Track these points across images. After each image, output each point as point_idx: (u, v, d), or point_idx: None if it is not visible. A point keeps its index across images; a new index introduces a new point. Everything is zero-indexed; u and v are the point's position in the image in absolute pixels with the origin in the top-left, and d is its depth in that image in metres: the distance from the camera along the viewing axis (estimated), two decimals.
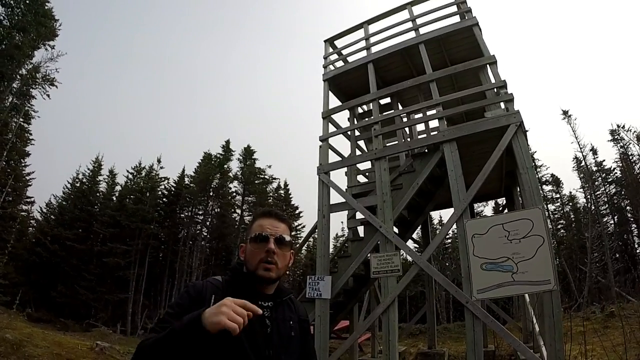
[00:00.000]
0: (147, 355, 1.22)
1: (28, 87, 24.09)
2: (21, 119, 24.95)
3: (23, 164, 28.03)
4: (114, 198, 34.91)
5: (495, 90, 7.27)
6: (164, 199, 36.00)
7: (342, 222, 38.63)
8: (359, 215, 8.50)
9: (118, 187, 36.14)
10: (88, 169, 35.54)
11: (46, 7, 24.38)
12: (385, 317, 6.62)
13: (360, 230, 9.04)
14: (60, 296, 26.81)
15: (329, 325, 7.28)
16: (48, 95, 24.88)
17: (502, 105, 6.96)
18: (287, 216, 1.71)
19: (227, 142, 38.08)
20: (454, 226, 6.61)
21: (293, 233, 1.65)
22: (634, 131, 31.63)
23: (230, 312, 1.13)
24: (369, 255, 7.33)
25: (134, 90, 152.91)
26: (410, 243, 10.19)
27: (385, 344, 6.57)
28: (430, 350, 10.79)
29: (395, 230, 7.64)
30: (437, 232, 33.66)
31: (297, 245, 15.95)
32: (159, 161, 36.33)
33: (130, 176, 35.64)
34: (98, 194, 35.03)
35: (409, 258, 8.09)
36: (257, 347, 1.36)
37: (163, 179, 36.38)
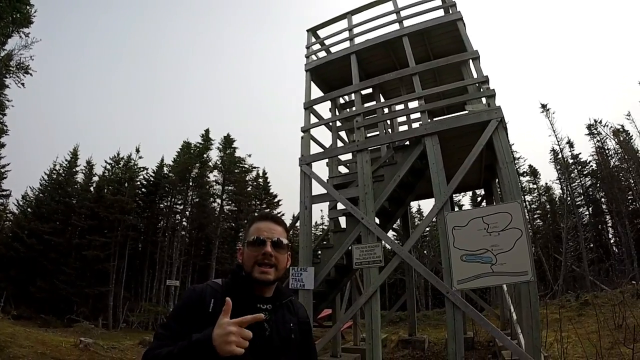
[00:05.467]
0: None
1: (1, 76, 23.18)
2: None
3: None
4: (92, 189, 34.11)
5: (477, 85, 7.35)
6: (143, 189, 35.49)
7: (321, 211, 38.81)
8: (340, 206, 8.49)
9: (95, 178, 35.38)
10: (65, 159, 34.79)
11: None
12: (368, 307, 6.70)
13: (342, 220, 9.07)
14: (40, 291, 26.23)
15: (312, 315, 7.35)
16: (23, 84, 23.93)
17: (484, 100, 7.03)
18: (283, 220, 1.74)
19: (207, 131, 37.54)
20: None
21: None
22: (611, 126, 32.58)
23: (239, 340, 1.23)
24: (350, 246, 7.40)
25: (109, 78, 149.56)
26: (390, 233, 10.29)
27: (368, 333, 6.66)
28: (411, 337, 11.02)
29: (377, 221, 7.70)
30: (417, 221, 34.22)
31: None
32: (137, 151, 35.56)
33: (109, 166, 34.81)
34: (75, 186, 34.31)
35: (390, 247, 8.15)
36: (256, 350, 1.37)
37: (142, 169, 35.75)
